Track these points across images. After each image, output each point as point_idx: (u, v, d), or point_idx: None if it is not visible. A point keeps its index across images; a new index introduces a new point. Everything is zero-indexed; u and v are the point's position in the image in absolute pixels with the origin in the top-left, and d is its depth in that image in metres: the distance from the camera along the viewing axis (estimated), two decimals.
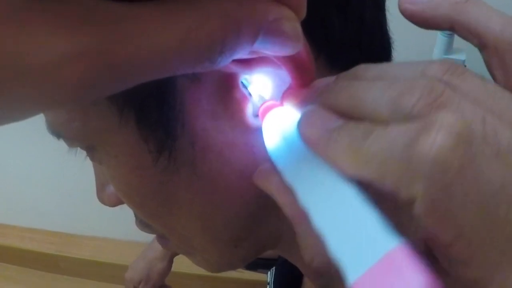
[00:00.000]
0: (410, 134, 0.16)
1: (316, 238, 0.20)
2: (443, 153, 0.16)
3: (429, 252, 0.19)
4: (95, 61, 0.14)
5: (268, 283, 0.63)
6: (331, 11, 0.26)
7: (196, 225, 0.30)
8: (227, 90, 0.24)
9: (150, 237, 0.87)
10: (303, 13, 0.18)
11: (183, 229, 0.31)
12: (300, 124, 0.20)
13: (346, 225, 0.18)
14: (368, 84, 0.19)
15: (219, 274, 1.32)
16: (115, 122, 0.25)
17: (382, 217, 0.18)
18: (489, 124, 0.17)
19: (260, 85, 0.25)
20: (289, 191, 0.21)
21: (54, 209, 1.52)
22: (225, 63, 0.17)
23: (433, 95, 0.17)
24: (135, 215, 0.33)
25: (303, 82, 0.23)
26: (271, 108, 0.24)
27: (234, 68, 0.23)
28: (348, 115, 0.19)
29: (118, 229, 1.46)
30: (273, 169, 0.23)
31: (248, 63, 0.23)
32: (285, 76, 0.23)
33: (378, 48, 0.30)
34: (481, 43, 0.24)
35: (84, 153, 0.31)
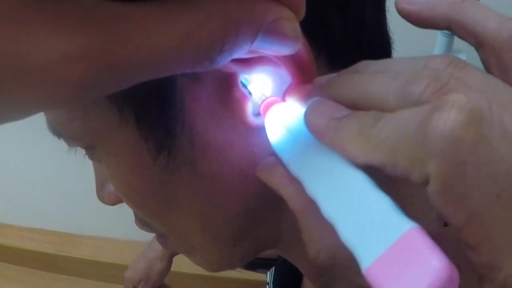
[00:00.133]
0: (422, 115, 0.17)
1: (321, 231, 0.20)
2: (457, 130, 0.16)
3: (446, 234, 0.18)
4: (95, 61, 0.14)
5: (268, 283, 0.63)
6: (331, 11, 0.26)
7: (195, 224, 0.30)
8: (227, 90, 0.24)
9: (149, 237, 0.87)
10: (302, 13, 0.19)
11: (182, 228, 0.31)
12: (307, 114, 0.20)
13: (357, 211, 0.18)
14: (372, 76, 0.20)
15: (218, 274, 1.32)
16: (115, 121, 0.25)
17: (394, 201, 0.18)
18: (495, 111, 0.17)
19: (260, 84, 0.25)
20: (294, 184, 0.22)
21: (54, 209, 1.52)
22: (224, 62, 0.17)
23: (440, 83, 0.17)
24: (135, 214, 0.33)
25: (303, 81, 0.23)
26: (273, 104, 0.24)
27: (234, 68, 0.23)
28: (354, 106, 0.20)
29: (117, 229, 1.46)
30: (277, 163, 0.23)
31: (248, 63, 0.23)
32: (285, 75, 0.23)
33: (378, 48, 0.30)
34: (478, 42, 0.24)
35: (83, 152, 0.31)
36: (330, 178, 0.20)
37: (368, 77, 0.20)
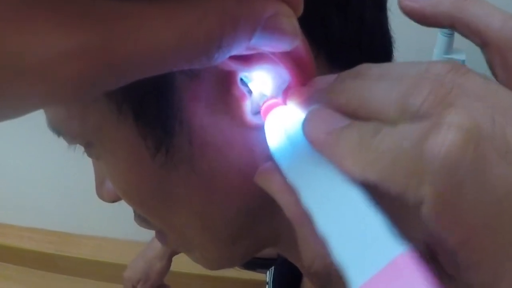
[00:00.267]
0: (419, 133, 0.16)
1: (317, 241, 0.19)
2: (453, 152, 0.15)
3: (433, 257, 0.18)
4: (94, 58, 0.14)
5: (267, 283, 0.63)
6: (331, 9, 0.26)
7: (194, 223, 0.30)
8: (226, 88, 0.24)
9: (149, 236, 0.87)
10: (301, 9, 0.19)
11: (181, 226, 0.31)
12: (305, 124, 0.20)
13: (350, 229, 0.18)
14: (373, 83, 0.19)
15: (218, 274, 1.32)
16: (114, 118, 0.25)
17: (388, 221, 0.18)
18: (498, 123, 0.17)
19: (260, 82, 0.24)
20: (291, 192, 0.21)
21: (53, 209, 1.52)
22: (222, 59, 0.17)
23: (441, 93, 0.17)
24: (134, 211, 0.33)
25: (303, 80, 0.23)
26: (274, 107, 0.24)
27: (232, 65, 0.23)
28: (354, 115, 0.19)
29: (117, 228, 1.46)
30: (275, 169, 0.23)
31: (246, 60, 0.23)
32: (285, 74, 0.23)
33: (379, 48, 0.30)
34: (482, 41, 0.24)
35: (83, 152, 0.31)
36: (325, 192, 0.20)
37: (369, 85, 0.19)
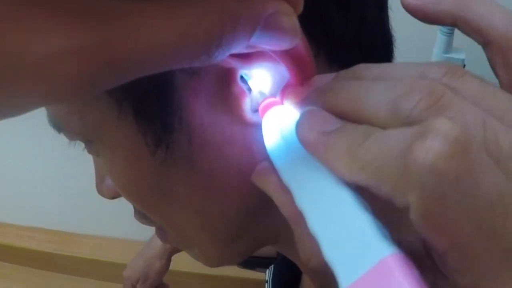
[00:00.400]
0: (406, 140, 0.16)
1: (312, 239, 0.20)
2: (439, 162, 0.15)
3: (428, 254, 0.18)
4: (94, 56, 0.14)
5: (267, 281, 0.63)
6: (331, 7, 0.26)
7: (194, 221, 0.30)
8: (226, 85, 0.24)
9: (148, 236, 0.87)
10: (301, 7, 0.19)
11: (181, 224, 0.31)
12: (298, 126, 0.20)
13: (340, 230, 0.18)
14: (368, 85, 0.19)
15: (217, 273, 1.32)
16: (114, 115, 0.25)
17: (378, 223, 0.18)
18: (490, 128, 0.16)
19: (259, 80, 0.25)
20: (287, 191, 0.21)
21: (53, 208, 1.52)
22: (223, 57, 0.17)
23: (433, 98, 0.17)
24: (134, 207, 0.34)
25: (302, 78, 0.23)
26: (271, 106, 0.24)
27: (232, 63, 0.23)
28: (347, 117, 0.19)
29: (116, 227, 1.46)
30: (272, 169, 0.23)
31: (246, 58, 0.23)
32: (284, 72, 0.23)
33: (379, 48, 0.30)
34: (485, 40, 0.24)
35: (82, 151, 0.31)
36: (317, 192, 0.20)
37: (364, 87, 0.19)
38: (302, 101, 0.22)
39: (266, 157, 0.24)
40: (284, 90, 0.24)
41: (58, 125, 0.28)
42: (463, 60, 0.82)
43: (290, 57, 0.21)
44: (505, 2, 0.26)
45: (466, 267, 0.17)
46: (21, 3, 0.13)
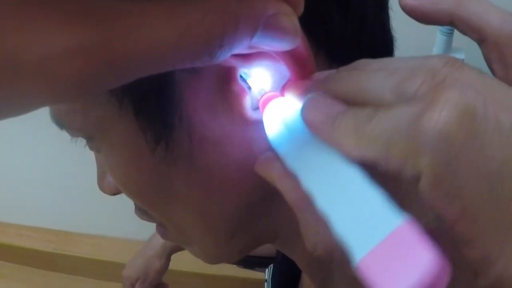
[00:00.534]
0: (415, 111, 0.17)
1: (318, 225, 0.20)
2: (449, 126, 0.16)
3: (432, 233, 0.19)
4: (94, 56, 0.14)
5: (266, 280, 0.63)
6: (331, 7, 0.26)
7: (194, 217, 0.30)
8: (226, 83, 0.25)
9: (148, 235, 0.87)
10: (301, 8, 0.19)
11: (180, 220, 0.31)
12: (304, 109, 0.21)
13: (350, 205, 0.19)
14: (370, 73, 0.20)
15: (217, 272, 1.32)
16: (115, 112, 0.26)
17: (387, 196, 0.18)
18: (490, 108, 0.17)
19: (259, 79, 0.25)
20: (291, 178, 0.22)
21: (52, 207, 1.52)
22: (224, 57, 0.17)
23: (436, 80, 0.18)
24: (135, 204, 0.34)
25: (303, 77, 0.23)
26: (272, 99, 0.24)
27: (233, 62, 0.23)
28: (351, 102, 0.20)
29: (116, 227, 1.46)
30: (275, 158, 0.23)
31: (247, 57, 0.23)
32: (284, 70, 0.23)
33: (379, 47, 0.30)
34: (481, 37, 0.24)
35: (82, 151, 0.31)
36: (325, 173, 0.20)
37: (366, 74, 0.20)
38: (304, 92, 0.23)
39: (265, 152, 0.24)
40: (284, 87, 0.24)
41: (60, 122, 0.28)
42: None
43: (290, 56, 0.22)
44: (503, 2, 0.26)
45: (475, 236, 0.17)
46: (21, 3, 0.13)
